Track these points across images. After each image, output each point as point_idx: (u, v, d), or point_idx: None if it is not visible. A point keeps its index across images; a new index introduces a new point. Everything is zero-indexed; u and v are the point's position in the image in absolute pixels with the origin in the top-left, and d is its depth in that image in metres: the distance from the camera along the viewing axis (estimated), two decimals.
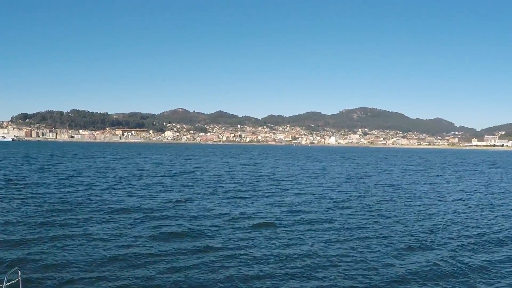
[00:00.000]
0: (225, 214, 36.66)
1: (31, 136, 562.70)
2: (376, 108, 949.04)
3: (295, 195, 50.86)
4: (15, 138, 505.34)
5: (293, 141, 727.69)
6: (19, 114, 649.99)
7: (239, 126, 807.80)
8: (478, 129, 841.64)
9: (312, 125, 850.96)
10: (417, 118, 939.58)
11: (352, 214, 38.53)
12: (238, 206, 41.50)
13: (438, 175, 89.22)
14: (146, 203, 41.56)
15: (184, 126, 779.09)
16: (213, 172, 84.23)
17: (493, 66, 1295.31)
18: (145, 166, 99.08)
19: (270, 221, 33.54)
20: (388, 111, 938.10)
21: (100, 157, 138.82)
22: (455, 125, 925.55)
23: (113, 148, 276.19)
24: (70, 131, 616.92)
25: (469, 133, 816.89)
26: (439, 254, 25.37)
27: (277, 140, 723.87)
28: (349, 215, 37.60)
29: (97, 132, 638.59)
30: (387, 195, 52.78)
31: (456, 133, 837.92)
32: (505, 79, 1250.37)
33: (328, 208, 41.04)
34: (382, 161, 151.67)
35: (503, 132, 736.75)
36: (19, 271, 13.42)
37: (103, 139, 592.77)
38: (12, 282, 13.36)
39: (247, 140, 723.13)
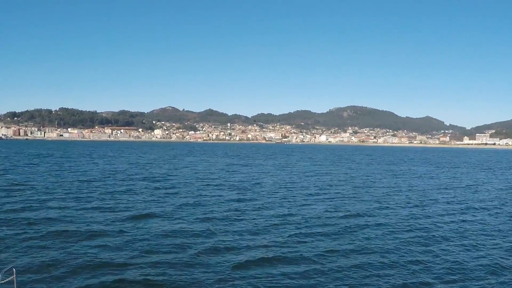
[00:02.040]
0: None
1: (19, 134, 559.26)
2: (366, 107, 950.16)
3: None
4: (2, 137, 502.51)
5: (284, 139, 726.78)
6: (7, 112, 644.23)
7: (229, 124, 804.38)
8: (468, 128, 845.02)
9: (302, 123, 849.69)
10: (407, 116, 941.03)
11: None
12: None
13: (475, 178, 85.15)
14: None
15: (174, 124, 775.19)
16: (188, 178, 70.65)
17: (482, 65, 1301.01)
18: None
19: None
20: (378, 110, 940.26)
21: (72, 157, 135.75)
22: (445, 123, 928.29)
23: (98, 147, 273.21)
24: (59, 130, 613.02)
25: (459, 132, 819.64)
26: None
27: (267, 139, 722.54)
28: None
29: (86, 130, 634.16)
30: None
31: (446, 131, 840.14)
32: (494, 78, 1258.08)
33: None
34: (393, 161, 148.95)
35: (493, 131, 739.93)
36: (14, 269, 13.28)
37: (92, 138, 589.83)
38: (7, 280, 13.03)
39: (237, 138, 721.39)
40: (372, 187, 61.86)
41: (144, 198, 46.77)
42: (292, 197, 49.69)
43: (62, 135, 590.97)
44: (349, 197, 50.41)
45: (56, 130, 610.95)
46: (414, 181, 72.73)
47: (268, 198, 48.92)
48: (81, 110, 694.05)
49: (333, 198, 49.35)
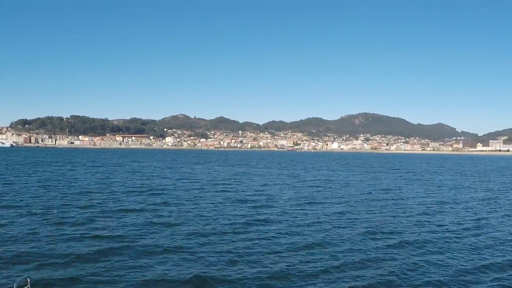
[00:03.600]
0: None
1: (30, 142, 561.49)
2: (378, 114, 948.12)
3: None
4: (13, 144, 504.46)
5: (295, 147, 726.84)
6: (18, 119, 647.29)
7: (240, 132, 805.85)
8: (480, 134, 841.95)
9: (314, 130, 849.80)
10: (418, 123, 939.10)
11: None
12: None
13: None
14: None
15: (185, 132, 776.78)
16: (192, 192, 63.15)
17: (494, 71, 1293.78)
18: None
19: None
20: (390, 116, 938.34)
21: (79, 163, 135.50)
22: (457, 130, 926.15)
23: (107, 154, 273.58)
24: (70, 137, 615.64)
25: (471, 138, 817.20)
26: None
27: (279, 146, 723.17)
28: None
29: (97, 138, 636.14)
30: None
31: (458, 138, 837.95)
32: (506, 84, 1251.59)
33: None
34: (424, 171, 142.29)
35: (506, 137, 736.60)
36: (28, 279, 13.66)
37: (103, 145, 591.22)
38: None
39: (249, 146, 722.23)
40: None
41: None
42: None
43: (73, 143, 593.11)
44: None
45: (67, 137, 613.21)
46: None
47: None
48: (92, 118, 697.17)
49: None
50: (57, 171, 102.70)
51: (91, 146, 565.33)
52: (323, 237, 32.98)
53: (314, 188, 70.27)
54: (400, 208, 49.54)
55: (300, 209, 46.59)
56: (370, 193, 64.60)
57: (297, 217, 41.47)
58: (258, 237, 32.56)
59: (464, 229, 37.62)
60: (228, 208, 46.65)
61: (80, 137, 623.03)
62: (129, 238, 31.15)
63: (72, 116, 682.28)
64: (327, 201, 54.10)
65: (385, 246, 30.71)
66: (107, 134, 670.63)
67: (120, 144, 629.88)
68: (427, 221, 41.13)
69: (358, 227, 37.03)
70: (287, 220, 39.96)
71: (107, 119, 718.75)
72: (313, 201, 53.81)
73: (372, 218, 42.19)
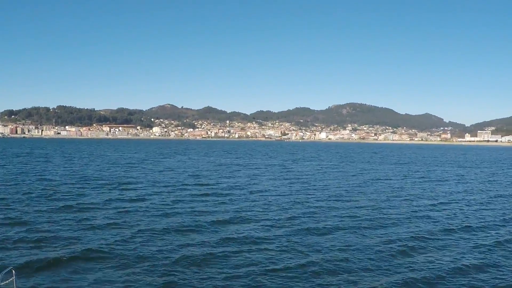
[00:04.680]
0: None
1: (16, 132, 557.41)
2: (365, 104, 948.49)
3: None
4: None
5: (283, 136, 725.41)
6: (4, 110, 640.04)
7: (227, 122, 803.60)
8: (468, 125, 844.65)
9: (302, 120, 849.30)
10: (406, 113, 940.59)
11: None
12: None
13: None
14: None
15: (172, 122, 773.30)
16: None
17: (480, 62, 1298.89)
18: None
19: None
20: (377, 107, 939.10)
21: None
22: (444, 120, 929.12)
23: (92, 144, 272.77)
24: (57, 128, 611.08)
25: (458, 129, 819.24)
26: None
27: (266, 136, 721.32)
28: None
29: (84, 128, 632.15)
30: None
31: (446, 128, 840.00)
32: (493, 75, 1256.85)
33: None
34: (427, 162, 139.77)
35: (493, 128, 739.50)
36: (13, 271, 13.47)
37: (90, 136, 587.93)
38: (7, 282, 13.24)
39: (236, 136, 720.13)
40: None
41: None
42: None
43: (59, 133, 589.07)
44: None
45: (53, 128, 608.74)
46: None
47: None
48: (79, 108, 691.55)
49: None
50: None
51: (78, 137, 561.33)
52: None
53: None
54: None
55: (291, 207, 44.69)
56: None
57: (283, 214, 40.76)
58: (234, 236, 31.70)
59: None
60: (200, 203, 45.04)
61: (67, 127, 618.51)
62: (83, 240, 30.14)
63: (59, 107, 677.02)
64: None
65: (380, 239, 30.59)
66: (94, 125, 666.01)
67: (107, 134, 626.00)
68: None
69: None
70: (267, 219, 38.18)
71: (94, 109, 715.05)
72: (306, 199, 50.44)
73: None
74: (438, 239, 31.23)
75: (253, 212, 39.66)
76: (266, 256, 26.12)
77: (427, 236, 31.73)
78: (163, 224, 33.66)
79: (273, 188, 57.57)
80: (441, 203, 47.96)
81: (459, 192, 58.66)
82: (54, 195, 46.88)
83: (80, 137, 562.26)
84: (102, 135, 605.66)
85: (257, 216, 37.63)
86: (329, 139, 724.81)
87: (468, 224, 36.08)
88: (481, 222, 37.54)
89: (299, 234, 31.41)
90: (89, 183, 58.64)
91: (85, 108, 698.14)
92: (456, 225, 35.96)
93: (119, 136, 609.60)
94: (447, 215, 40.80)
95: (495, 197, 54.19)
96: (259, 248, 27.68)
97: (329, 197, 50.24)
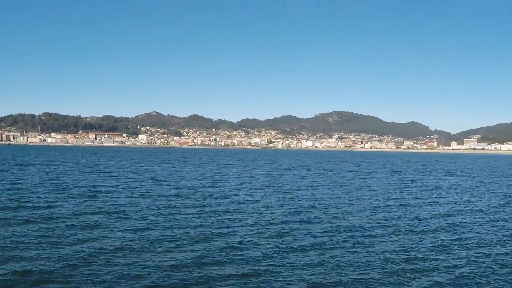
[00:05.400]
0: None
1: (1, 139, 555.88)
2: (351, 112, 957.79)
3: None
4: None
5: (269, 144, 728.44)
6: None
7: (214, 129, 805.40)
8: (453, 133, 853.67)
9: (288, 128, 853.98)
10: (392, 121, 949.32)
11: None
12: None
13: None
14: None
15: (158, 129, 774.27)
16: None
17: (465, 71, 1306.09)
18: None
19: None
20: (364, 115, 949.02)
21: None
22: (430, 128, 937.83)
23: (77, 152, 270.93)
24: (42, 135, 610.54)
25: (444, 137, 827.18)
26: None
27: (253, 144, 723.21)
28: None
29: (70, 135, 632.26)
30: None
31: (432, 136, 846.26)
32: (479, 84, 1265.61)
33: None
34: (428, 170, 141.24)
35: (479, 136, 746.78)
36: None
37: (75, 143, 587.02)
38: None
39: (222, 144, 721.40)
40: None
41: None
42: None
43: (45, 140, 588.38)
44: None
45: (39, 135, 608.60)
46: None
47: None
48: (65, 115, 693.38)
49: None
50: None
51: (64, 144, 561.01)
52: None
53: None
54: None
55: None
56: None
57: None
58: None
59: None
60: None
61: (52, 134, 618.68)
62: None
63: (45, 113, 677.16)
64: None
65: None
66: (80, 132, 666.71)
67: (93, 141, 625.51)
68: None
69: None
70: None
71: (80, 116, 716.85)
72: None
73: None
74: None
75: (237, 226, 37.65)
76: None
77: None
78: (134, 239, 31.33)
79: (260, 198, 55.88)
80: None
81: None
82: (21, 206, 45.18)
83: (66, 144, 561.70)
84: (88, 143, 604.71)
85: (241, 230, 35.81)
86: (315, 147, 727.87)
87: None
88: None
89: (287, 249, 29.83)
90: (62, 193, 56.50)
91: (71, 115, 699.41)
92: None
93: (104, 144, 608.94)
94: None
95: None
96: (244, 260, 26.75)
97: (330, 210, 47.46)
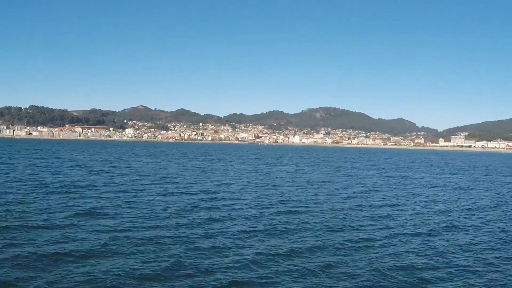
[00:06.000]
0: None
1: None
2: (339, 108, 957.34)
3: None
4: None
5: (257, 140, 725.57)
6: None
7: (201, 124, 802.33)
8: (440, 130, 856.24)
9: (275, 124, 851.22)
10: (379, 118, 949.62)
11: None
12: None
13: None
14: None
15: (145, 123, 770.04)
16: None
17: (452, 69, 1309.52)
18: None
19: None
20: (351, 111, 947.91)
21: None
22: (417, 125, 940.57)
23: (63, 145, 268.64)
24: (28, 128, 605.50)
25: (431, 134, 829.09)
26: None
27: (240, 139, 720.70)
28: None
29: (56, 129, 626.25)
30: None
31: (419, 133, 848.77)
32: (466, 81, 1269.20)
33: None
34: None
35: (466, 133, 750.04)
36: None
37: (62, 136, 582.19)
38: None
39: (209, 138, 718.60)
40: None
41: None
42: None
43: (31, 134, 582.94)
44: None
45: (25, 128, 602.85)
46: None
47: None
48: (52, 108, 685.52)
49: None
50: None
51: (50, 137, 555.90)
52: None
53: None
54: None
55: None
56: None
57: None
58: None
59: None
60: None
61: (39, 128, 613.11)
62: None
63: (31, 107, 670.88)
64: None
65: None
66: (66, 125, 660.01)
67: (79, 135, 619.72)
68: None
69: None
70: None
71: (66, 109, 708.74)
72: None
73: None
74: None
75: (221, 226, 36.13)
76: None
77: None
78: (107, 240, 29.65)
79: (247, 196, 54.17)
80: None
81: None
82: None
83: (52, 138, 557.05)
84: (74, 136, 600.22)
85: (228, 228, 34.84)
86: (302, 142, 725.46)
87: None
88: None
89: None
90: (37, 188, 54.75)
91: (58, 108, 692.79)
92: None
93: (91, 138, 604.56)
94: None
95: None
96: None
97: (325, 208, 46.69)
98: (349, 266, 25.95)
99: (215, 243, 29.88)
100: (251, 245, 29.89)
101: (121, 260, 25.41)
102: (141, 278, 22.69)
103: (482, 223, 41.41)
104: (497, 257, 29.09)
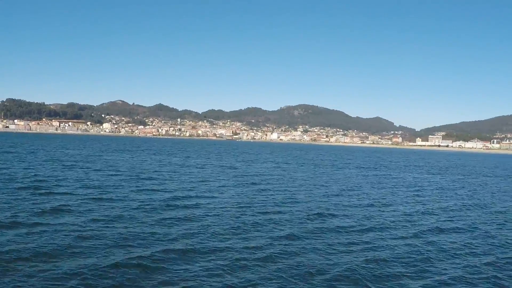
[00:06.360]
0: None
1: None
2: (317, 106, 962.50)
3: None
4: None
5: (234, 136, 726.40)
6: None
7: (179, 120, 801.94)
8: (418, 129, 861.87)
9: (253, 120, 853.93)
10: (357, 116, 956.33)
11: None
12: None
13: None
14: None
15: (123, 118, 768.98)
16: None
17: (430, 69, 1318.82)
18: None
19: None
20: (329, 109, 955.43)
21: None
22: (394, 124, 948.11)
23: (40, 139, 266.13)
24: (5, 121, 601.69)
25: (409, 133, 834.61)
26: None
27: (217, 135, 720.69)
28: None
29: (33, 122, 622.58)
30: None
31: (396, 132, 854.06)
32: (443, 82, 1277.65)
33: None
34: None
35: (444, 133, 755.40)
36: None
37: (39, 130, 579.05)
38: None
39: (187, 134, 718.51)
40: None
41: None
42: None
43: (8, 127, 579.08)
44: None
45: (2, 121, 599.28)
46: None
47: None
48: (29, 102, 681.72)
49: None
50: None
51: (27, 131, 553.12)
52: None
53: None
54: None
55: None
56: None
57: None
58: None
59: None
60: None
61: (15, 121, 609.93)
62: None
63: (8, 100, 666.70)
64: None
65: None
66: (44, 119, 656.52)
67: (57, 129, 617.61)
68: None
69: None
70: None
71: (44, 103, 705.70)
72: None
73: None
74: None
75: (199, 222, 35.16)
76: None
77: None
78: (71, 240, 28.15)
79: (224, 194, 52.40)
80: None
81: None
82: None
83: (29, 131, 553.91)
84: (52, 130, 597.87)
85: (204, 228, 33.25)
86: (280, 139, 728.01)
87: None
88: None
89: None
90: (5, 183, 52.36)
91: (35, 102, 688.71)
92: None
93: (68, 132, 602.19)
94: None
95: None
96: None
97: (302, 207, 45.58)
98: (328, 270, 24.78)
99: (190, 243, 28.50)
100: (228, 246, 28.49)
101: (87, 261, 23.89)
102: (108, 281, 21.40)
103: (464, 224, 40.63)
104: (480, 259, 28.72)
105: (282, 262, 25.76)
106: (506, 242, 33.74)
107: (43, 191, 47.96)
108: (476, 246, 32.00)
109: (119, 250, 26.24)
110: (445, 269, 26.13)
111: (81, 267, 22.74)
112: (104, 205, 40.74)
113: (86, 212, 36.98)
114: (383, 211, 45.30)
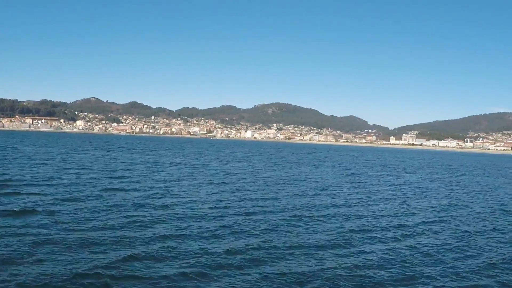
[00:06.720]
0: None
1: None
2: (291, 104, 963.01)
3: None
4: None
5: (209, 134, 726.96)
6: None
7: (152, 117, 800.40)
8: (391, 128, 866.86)
9: (227, 118, 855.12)
10: (331, 115, 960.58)
11: None
12: None
13: None
14: None
15: (97, 116, 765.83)
16: None
17: (403, 68, 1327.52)
18: None
19: None
20: (303, 107, 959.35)
21: None
22: (368, 123, 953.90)
23: (12, 137, 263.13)
24: None
25: (382, 132, 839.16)
26: None
27: (191, 133, 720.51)
28: None
29: (6, 120, 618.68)
30: None
31: (370, 131, 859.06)
32: (416, 81, 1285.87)
33: None
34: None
35: (417, 132, 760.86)
36: None
37: (11, 127, 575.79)
38: None
39: (161, 132, 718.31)
40: None
41: None
42: None
43: None
44: None
45: None
46: None
47: None
48: (2, 98, 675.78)
49: None
50: None
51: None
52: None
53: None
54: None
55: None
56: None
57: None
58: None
59: None
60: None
61: None
62: None
63: None
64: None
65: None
66: (17, 116, 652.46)
67: (29, 126, 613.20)
68: None
69: None
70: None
71: (17, 100, 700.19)
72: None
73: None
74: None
75: (173, 223, 33.87)
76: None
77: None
78: (35, 240, 26.82)
79: (199, 194, 50.75)
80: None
81: None
82: None
83: (2, 128, 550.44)
84: (24, 127, 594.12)
85: (179, 229, 31.99)
86: (254, 137, 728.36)
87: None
88: None
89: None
90: None
91: (8, 98, 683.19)
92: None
93: (41, 129, 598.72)
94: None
95: None
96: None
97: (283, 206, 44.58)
98: (303, 274, 23.72)
99: (164, 246, 27.19)
100: (203, 248, 27.30)
101: (50, 267, 22.40)
102: None
103: (446, 225, 39.67)
104: (459, 260, 28.35)
105: (258, 266, 24.66)
106: (488, 245, 32.94)
107: (10, 189, 46.34)
108: (459, 249, 31.18)
109: (86, 256, 24.62)
110: (429, 273, 25.15)
111: (42, 276, 21.18)
112: (72, 206, 38.81)
113: (52, 213, 35.12)
114: (362, 212, 44.16)
